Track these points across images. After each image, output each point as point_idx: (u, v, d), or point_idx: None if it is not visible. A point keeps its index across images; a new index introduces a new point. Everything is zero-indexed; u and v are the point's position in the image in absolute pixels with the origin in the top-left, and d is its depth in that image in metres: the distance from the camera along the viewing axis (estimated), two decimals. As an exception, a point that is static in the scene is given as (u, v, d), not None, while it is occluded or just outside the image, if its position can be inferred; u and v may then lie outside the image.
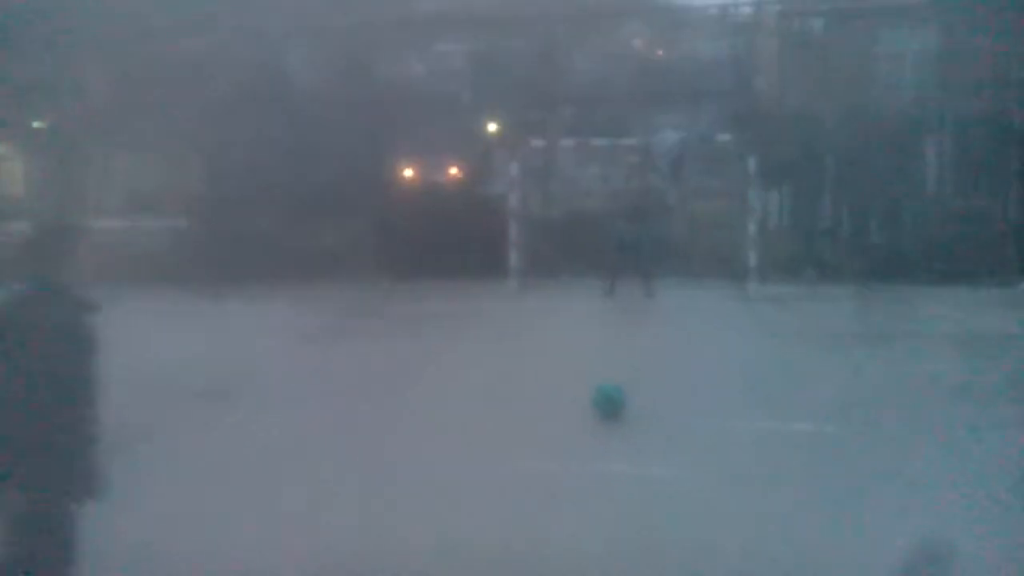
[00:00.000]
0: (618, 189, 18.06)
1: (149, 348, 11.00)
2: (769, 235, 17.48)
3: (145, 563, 4.95)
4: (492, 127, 19.80)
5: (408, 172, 19.74)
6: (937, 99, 18.46)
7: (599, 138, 18.55)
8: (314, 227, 16.90)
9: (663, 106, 19.52)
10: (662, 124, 19.26)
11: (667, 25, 21.46)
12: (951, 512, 5.66)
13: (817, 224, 18.63)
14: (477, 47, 19.61)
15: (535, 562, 5.04)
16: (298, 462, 6.71)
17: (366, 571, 4.91)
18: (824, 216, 18.74)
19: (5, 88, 17.31)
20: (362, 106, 17.19)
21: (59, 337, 3.61)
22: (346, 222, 16.92)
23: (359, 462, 6.65)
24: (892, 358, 10.37)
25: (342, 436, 7.37)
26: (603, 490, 6.11)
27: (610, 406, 7.80)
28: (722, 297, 15.34)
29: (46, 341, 3.58)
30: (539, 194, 18.42)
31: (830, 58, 18.61)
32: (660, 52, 21.17)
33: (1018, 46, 18.05)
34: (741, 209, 17.08)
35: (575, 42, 19.83)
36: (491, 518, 5.57)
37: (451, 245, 16.57)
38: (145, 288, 15.22)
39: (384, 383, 9.32)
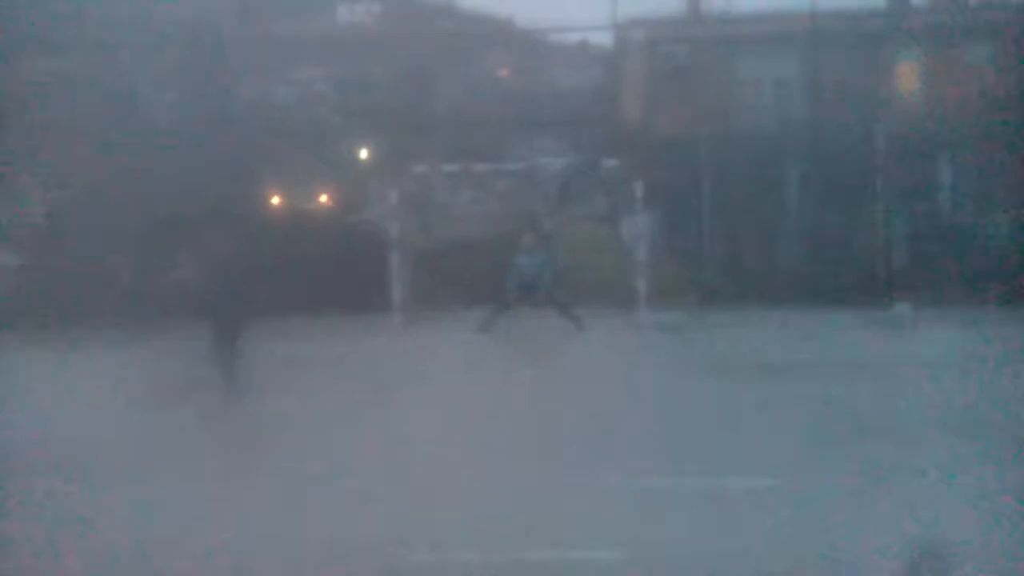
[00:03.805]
0: (499, 216, 17.51)
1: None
2: (652, 261, 17.27)
3: None
4: (363, 153, 19.06)
5: (275, 200, 18.60)
6: (799, 125, 18.86)
7: (481, 164, 18.00)
8: (170, 262, 15.54)
9: (535, 133, 19.25)
10: (540, 150, 18.93)
11: (530, 54, 21.32)
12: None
13: (696, 249, 18.60)
14: (340, 72, 19.09)
15: None
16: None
17: None
18: (702, 241, 18.74)
19: None
20: (223, 131, 16.12)
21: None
22: (206, 254, 15.62)
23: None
24: (800, 390, 10.02)
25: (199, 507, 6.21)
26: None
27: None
28: (614, 326, 14.85)
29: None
30: (418, 222, 17.65)
31: (696, 85, 18.75)
32: (527, 78, 20.92)
33: (874, 74, 18.73)
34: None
35: (439, 69, 19.39)
36: None
37: (324, 277, 15.52)
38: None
39: (246, 450, 8.05)
